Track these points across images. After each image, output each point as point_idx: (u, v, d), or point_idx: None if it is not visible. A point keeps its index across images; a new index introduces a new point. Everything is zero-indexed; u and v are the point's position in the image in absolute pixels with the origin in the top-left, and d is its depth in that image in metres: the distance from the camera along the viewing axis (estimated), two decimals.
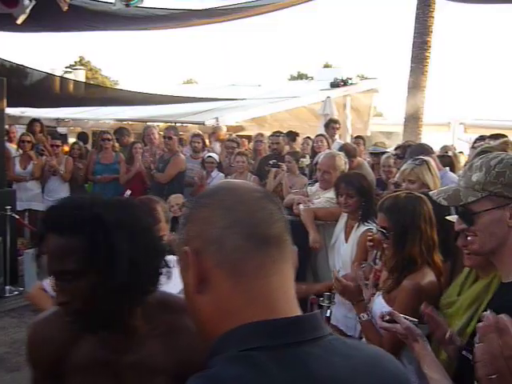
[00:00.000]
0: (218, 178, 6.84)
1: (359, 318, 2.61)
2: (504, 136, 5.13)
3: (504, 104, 55.24)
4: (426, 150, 4.67)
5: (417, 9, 11.01)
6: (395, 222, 2.56)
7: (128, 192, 7.04)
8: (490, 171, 1.69)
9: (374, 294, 2.71)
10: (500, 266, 1.81)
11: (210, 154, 7.28)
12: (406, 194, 2.70)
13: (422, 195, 2.65)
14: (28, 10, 5.28)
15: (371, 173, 5.97)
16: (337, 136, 8.31)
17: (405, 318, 1.97)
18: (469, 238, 1.77)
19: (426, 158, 3.94)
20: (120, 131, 8.92)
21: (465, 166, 1.96)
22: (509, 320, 1.22)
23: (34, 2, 5.27)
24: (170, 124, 10.55)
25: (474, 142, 6.28)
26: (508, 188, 1.67)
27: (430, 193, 1.90)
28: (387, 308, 2.36)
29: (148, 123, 10.96)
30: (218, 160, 7.19)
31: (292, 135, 8.60)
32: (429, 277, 2.46)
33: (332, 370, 0.88)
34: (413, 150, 4.75)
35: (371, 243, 3.26)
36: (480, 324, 1.29)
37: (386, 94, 43.80)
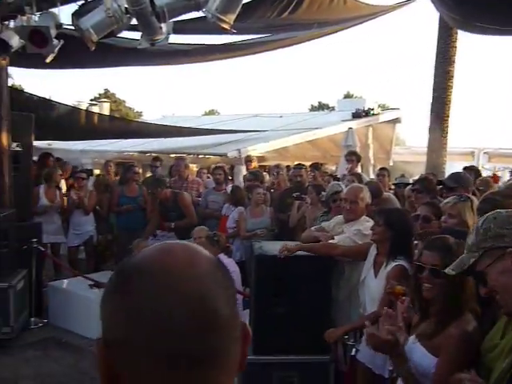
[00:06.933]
0: (237, 209, 6.86)
1: (399, 371, 2.29)
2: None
3: None
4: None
5: (438, 39, 11.01)
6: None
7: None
8: (479, 231, 1.86)
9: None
10: None
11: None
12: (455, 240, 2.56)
13: None
14: (56, 50, 5.42)
15: (398, 205, 5.84)
16: (358, 169, 8.29)
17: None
18: (498, 297, 1.82)
19: (471, 196, 3.87)
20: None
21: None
22: None
23: (62, 42, 5.42)
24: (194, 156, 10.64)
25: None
26: (497, 238, 1.79)
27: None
28: (430, 358, 2.27)
29: (174, 155, 11.04)
30: None
31: (317, 166, 8.62)
32: (473, 323, 2.30)
33: None
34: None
35: (392, 296, 3.07)
36: None
37: (409, 123, 43.59)
